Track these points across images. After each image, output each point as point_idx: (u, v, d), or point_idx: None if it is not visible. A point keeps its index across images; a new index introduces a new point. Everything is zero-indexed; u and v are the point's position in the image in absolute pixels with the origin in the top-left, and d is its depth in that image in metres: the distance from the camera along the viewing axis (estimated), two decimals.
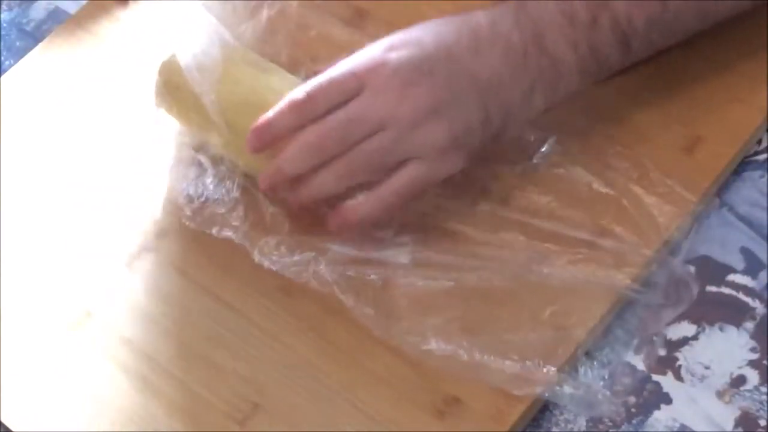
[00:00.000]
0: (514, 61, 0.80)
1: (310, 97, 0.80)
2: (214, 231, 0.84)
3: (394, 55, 0.80)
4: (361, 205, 0.80)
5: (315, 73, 0.82)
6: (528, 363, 0.78)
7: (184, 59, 0.84)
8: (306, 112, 0.80)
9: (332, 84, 0.80)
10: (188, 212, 0.85)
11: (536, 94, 0.81)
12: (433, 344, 0.79)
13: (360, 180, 0.80)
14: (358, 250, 0.82)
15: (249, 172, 0.85)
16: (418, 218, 0.84)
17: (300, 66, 0.93)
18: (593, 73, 0.83)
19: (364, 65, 0.80)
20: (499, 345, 0.79)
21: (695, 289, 0.82)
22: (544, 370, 0.78)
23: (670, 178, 0.86)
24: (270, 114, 0.80)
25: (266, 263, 0.82)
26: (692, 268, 0.83)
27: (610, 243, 0.83)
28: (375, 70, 0.79)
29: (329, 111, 0.79)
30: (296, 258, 0.82)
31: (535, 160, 0.86)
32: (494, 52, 0.80)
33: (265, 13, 0.96)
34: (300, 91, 0.80)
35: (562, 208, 0.85)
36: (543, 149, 0.86)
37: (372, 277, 0.82)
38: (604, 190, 0.86)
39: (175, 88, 0.85)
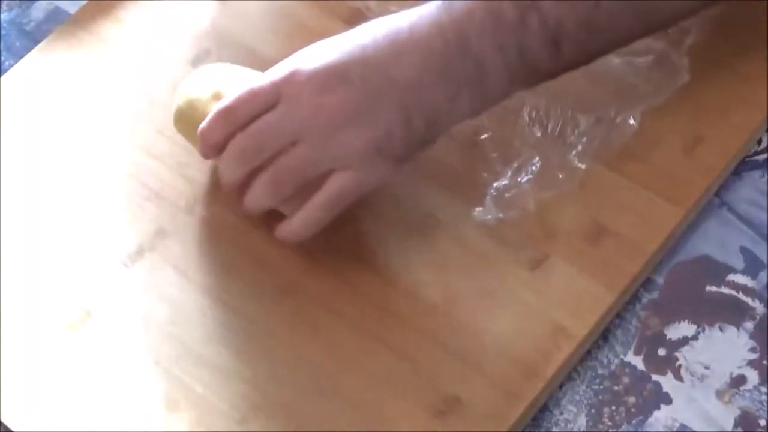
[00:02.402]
0: (437, 65, 0.78)
1: (232, 108, 0.80)
2: None
3: (308, 63, 0.79)
4: (293, 224, 0.81)
5: None
6: None
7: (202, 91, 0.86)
8: (230, 122, 0.80)
9: (252, 94, 0.80)
10: None
11: (462, 98, 0.79)
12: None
13: (289, 193, 0.80)
14: None
15: None
16: None
17: None
18: (523, 77, 0.79)
19: (280, 75, 0.80)
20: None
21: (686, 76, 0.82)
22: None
23: (670, 178, 0.86)
24: (204, 124, 0.81)
25: None
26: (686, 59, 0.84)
27: (610, 240, 0.83)
28: (289, 79, 0.79)
29: (252, 120, 0.79)
30: None
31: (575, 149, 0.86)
32: (414, 56, 0.78)
33: (265, 14, 0.96)
34: (225, 100, 0.81)
35: (562, 203, 0.85)
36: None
37: None
38: (605, 185, 0.86)
39: (191, 120, 0.85)
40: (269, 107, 0.79)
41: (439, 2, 0.79)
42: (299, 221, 0.80)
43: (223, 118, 0.80)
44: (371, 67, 0.78)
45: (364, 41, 0.79)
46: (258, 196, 0.80)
